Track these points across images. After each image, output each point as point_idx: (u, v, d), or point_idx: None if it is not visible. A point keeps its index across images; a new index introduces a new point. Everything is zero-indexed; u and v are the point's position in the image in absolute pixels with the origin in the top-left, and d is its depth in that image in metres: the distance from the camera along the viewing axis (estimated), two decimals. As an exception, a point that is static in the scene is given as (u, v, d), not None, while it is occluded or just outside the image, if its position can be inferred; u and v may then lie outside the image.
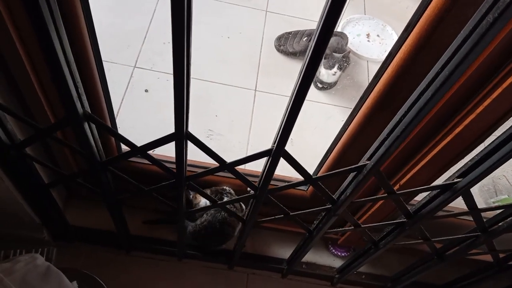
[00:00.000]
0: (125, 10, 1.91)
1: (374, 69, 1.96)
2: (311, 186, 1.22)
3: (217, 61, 1.82)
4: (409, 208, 0.85)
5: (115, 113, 1.54)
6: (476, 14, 0.48)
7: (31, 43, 0.74)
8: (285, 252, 1.29)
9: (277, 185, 0.81)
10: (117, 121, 1.16)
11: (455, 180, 0.74)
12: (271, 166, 0.72)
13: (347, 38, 1.94)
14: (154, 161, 0.75)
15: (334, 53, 1.72)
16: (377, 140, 0.69)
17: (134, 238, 1.21)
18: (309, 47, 0.49)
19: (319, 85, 1.82)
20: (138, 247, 1.25)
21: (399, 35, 0.75)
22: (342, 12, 0.45)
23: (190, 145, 0.70)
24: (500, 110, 0.75)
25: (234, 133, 1.62)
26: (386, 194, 0.80)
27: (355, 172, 0.76)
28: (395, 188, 0.91)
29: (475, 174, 0.70)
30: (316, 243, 1.04)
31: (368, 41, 2.06)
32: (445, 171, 0.92)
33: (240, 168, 0.75)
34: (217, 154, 0.71)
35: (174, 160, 0.72)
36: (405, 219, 0.88)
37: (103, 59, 0.88)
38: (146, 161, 0.94)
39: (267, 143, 0.69)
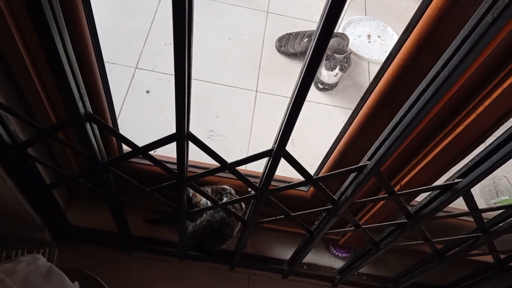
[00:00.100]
0: (126, 11, 1.91)
1: (375, 70, 1.96)
2: (312, 187, 1.22)
3: (218, 62, 1.82)
4: (409, 209, 0.85)
5: (117, 114, 1.54)
6: (475, 14, 0.48)
7: (33, 43, 0.74)
8: (286, 253, 1.29)
9: (278, 186, 0.82)
10: (118, 121, 1.16)
11: (455, 181, 0.74)
12: (272, 167, 0.73)
13: (348, 39, 1.94)
14: (156, 161, 0.75)
15: (335, 54, 1.72)
16: (377, 140, 0.69)
17: (135, 239, 1.21)
18: (309, 47, 0.50)
19: (320, 86, 1.82)
20: (139, 247, 1.25)
21: (399, 36, 0.75)
22: (343, 13, 0.45)
23: (191, 146, 0.70)
24: (501, 110, 0.76)
25: (235, 134, 1.62)
26: (386, 195, 0.80)
27: (355, 173, 0.76)
28: (396, 188, 0.91)
29: (476, 174, 0.70)
30: (317, 244, 1.04)
31: (369, 42, 2.06)
32: (446, 172, 0.92)
33: (241, 168, 0.75)
34: (218, 155, 0.72)
35: (175, 160, 0.73)
36: (405, 220, 0.88)
37: (104, 60, 0.89)
38: (148, 162, 0.95)
39: (268, 144, 0.70)
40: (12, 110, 0.70)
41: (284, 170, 0.90)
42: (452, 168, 0.89)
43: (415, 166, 0.93)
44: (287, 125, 0.62)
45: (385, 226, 0.96)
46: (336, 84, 1.83)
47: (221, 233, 1.17)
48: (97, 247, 1.25)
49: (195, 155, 0.86)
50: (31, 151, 0.80)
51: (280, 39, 1.93)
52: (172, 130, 0.65)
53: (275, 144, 0.67)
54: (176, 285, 1.26)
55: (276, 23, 2.03)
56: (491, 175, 0.70)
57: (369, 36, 2.08)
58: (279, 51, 1.92)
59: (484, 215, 0.83)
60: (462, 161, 0.87)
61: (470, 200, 0.78)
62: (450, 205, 0.81)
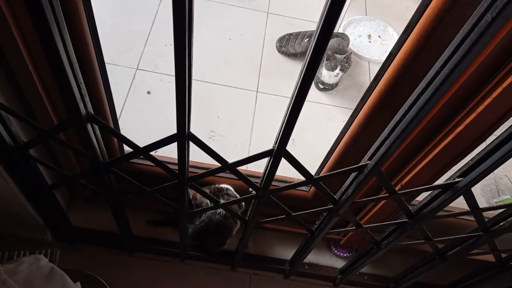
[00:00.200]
0: (127, 12, 1.92)
1: (375, 69, 1.96)
2: (312, 187, 1.22)
3: (218, 63, 1.82)
4: (410, 208, 0.85)
5: (118, 114, 1.54)
6: (474, 13, 0.48)
7: (33, 42, 0.74)
8: (287, 252, 1.29)
9: (279, 186, 0.82)
10: (119, 122, 1.17)
11: (456, 180, 0.74)
12: (273, 167, 0.73)
13: (349, 39, 1.94)
14: (157, 162, 0.76)
15: (335, 54, 1.72)
16: (377, 140, 0.69)
17: (136, 239, 1.22)
18: (309, 47, 0.50)
19: (321, 86, 1.82)
20: (140, 248, 1.25)
21: (399, 35, 0.75)
22: (343, 13, 0.45)
23: (192, 146, 0.70)
24: (501, 109, 0.76)
25: (236, 134, 1.62)
26: (387, 194, 0.80)
27: (356, 172, 0.76)
28: (397, 188, 0.91)
29: (476, 173, 0.70)
30: (318, 243, 1.04)
31: (369, 42, 2.06)
32: (447, 171, 0.92)
33: (242, 168, 0.75)
34: (219, 155, 0.72)
35: (176, 161, 0.73)
36: (406, 219, 0.88)
37: (105, 61, 0.89)
38: (149, 162, 0.95)
39: (269, 144, 0.70)
40: (13, 111, 0.70)
41: (285, 170, 0.90)
42: (453, 167, 0.89)
43: (416, 166, 0.93)
44: (288, 125, 0.62)
45: (386, 225, 0.96)
46: (336, 84, 1.83)
47: (220, 235, 1.17)
48: (99, 247, 1.26)
49: (195, 155, 0.87)
50: (32, 152, 0.80)
51: (280, 40, 1.94)
52: (173, 130, 0.65)
53: (275, 144, 0.67)
54: (177, 286, 1.26)
55: (276, 24, 2.03)
56: (492, 174, 0.70)
57: (369, 36, 2.08)
58: (279, 51, 1.92)
59: (485, 214, 0.83)
60: (462, 160, 0.87)
61: (471, 199, 0.78)
62: (451, 204, 0.81)
